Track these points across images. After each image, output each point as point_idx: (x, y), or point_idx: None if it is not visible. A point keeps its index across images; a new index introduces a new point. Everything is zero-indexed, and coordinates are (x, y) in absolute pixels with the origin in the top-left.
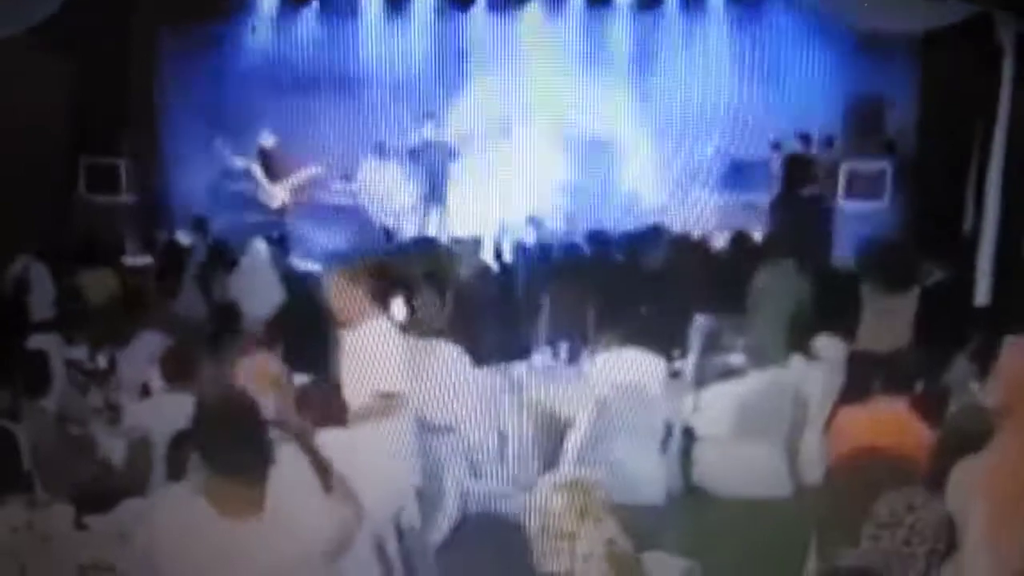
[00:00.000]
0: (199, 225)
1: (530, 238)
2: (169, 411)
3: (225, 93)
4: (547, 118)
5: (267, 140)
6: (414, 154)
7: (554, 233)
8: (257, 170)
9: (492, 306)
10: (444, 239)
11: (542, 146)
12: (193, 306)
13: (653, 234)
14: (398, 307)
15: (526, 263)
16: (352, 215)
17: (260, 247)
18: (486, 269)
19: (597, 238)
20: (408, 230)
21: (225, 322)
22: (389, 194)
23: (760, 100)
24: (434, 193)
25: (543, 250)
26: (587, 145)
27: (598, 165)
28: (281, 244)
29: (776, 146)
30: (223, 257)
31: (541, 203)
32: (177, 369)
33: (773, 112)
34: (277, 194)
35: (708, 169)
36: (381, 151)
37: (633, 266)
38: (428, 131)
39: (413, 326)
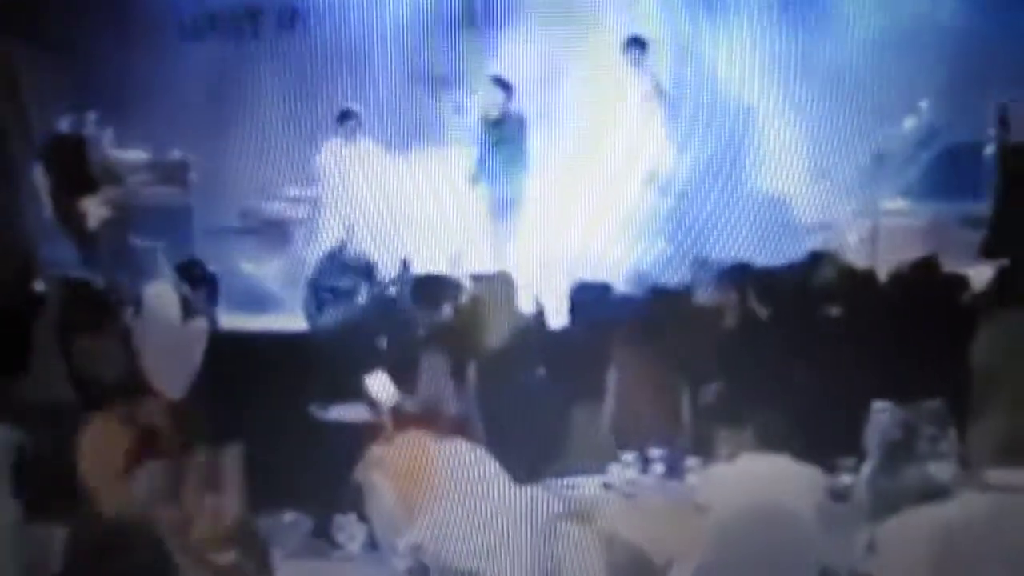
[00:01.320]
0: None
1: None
2: None
3: None
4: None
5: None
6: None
7: (638, 271)
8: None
9: (539, 386)
10: (460, 276)
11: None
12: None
13: (809, 266)
14: (379, 385)
15: (588, 317)
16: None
17: (160, 291)
18: (528, 325)
19: (704, 274)
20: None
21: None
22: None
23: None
24: (450, 203)
25: (614, 298)
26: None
27: (705, 156)
28: (201, 283)
29: (1003, 122)
30: (100, 306)
31: (613, 228)
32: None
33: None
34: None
35: (894, 160)
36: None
37: (767, 320)
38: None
39: (409, 415)
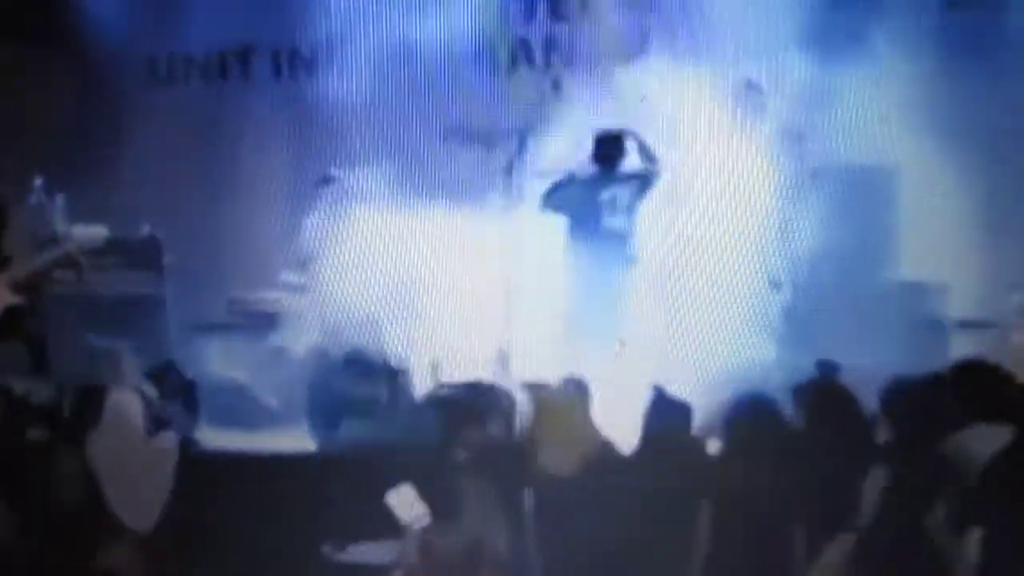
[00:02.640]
0: None
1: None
2: None
3: None
4: None
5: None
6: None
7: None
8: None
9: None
10: (508, 384)
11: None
12: None
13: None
14: (405, 502)
15: (676, 440)
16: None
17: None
18: (602, 447)
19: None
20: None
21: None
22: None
23: None
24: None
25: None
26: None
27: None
28: (177, 393)
29: None
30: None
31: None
32: None
33: None
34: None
35: None
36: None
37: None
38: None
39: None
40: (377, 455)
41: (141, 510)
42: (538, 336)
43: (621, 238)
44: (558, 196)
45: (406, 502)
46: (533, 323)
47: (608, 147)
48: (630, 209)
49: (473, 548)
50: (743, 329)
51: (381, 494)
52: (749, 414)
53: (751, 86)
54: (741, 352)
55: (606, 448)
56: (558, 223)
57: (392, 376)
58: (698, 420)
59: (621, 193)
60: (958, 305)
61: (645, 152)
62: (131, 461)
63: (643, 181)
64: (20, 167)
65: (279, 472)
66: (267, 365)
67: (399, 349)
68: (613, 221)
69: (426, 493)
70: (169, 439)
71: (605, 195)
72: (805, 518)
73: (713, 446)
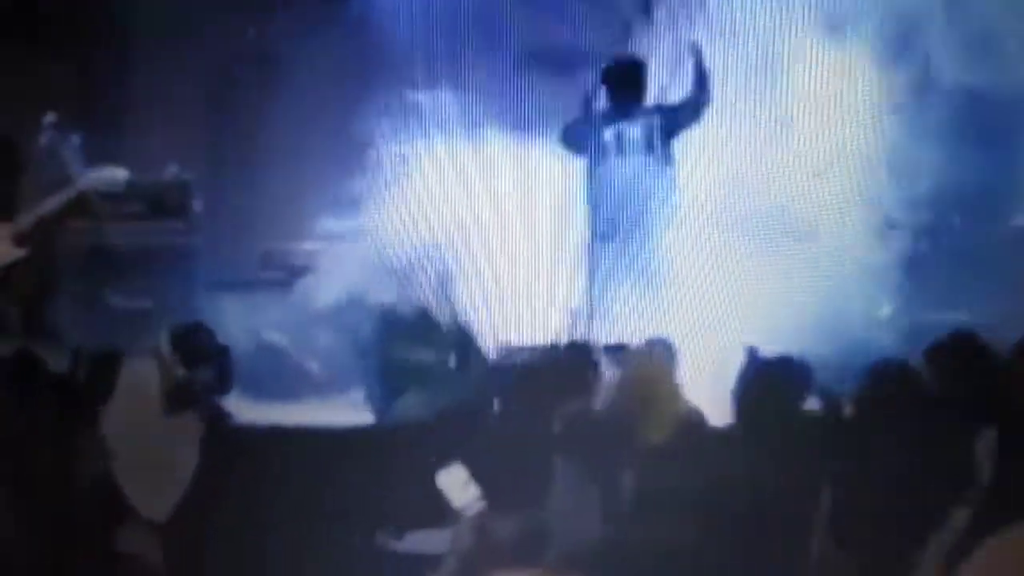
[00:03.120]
0: None
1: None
2: None
3: None
4: None
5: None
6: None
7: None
8: None
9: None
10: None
11: None
12: None
13: None
14: (456, 483)
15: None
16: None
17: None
18: (698, 418)
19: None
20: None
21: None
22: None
23: None
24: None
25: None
26: None
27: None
28: (206, 360)
29: None
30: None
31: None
32: None
33: None
34: None
35: None
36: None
37: None
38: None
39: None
40: (443, 428)
41: (156, 496)
42: (617, 292)
43: (643, 180)
44: (571, 134)
45: (458, 483)
46: (613, 276)
47: (620, 78)
48: (654, 146)
49: (538, 535)
50: (855, 280)
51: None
52: (879, 380)
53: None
54: (852, 307)
55: (701, 423)
56: (576, 166)
57: (461, 338)
58: (812, 388)
59: (643, 129)
60: None
61: (700, 76)
62: (148, 439)
63: (677, 113)
64: (30, 101)
65: (325, 448)
66: (310, 326)
67: (466, 307)
68: (632, 161)
69: (501, 473)
70: (194, 415)
71: (626, 131)
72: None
73: (832, 419)
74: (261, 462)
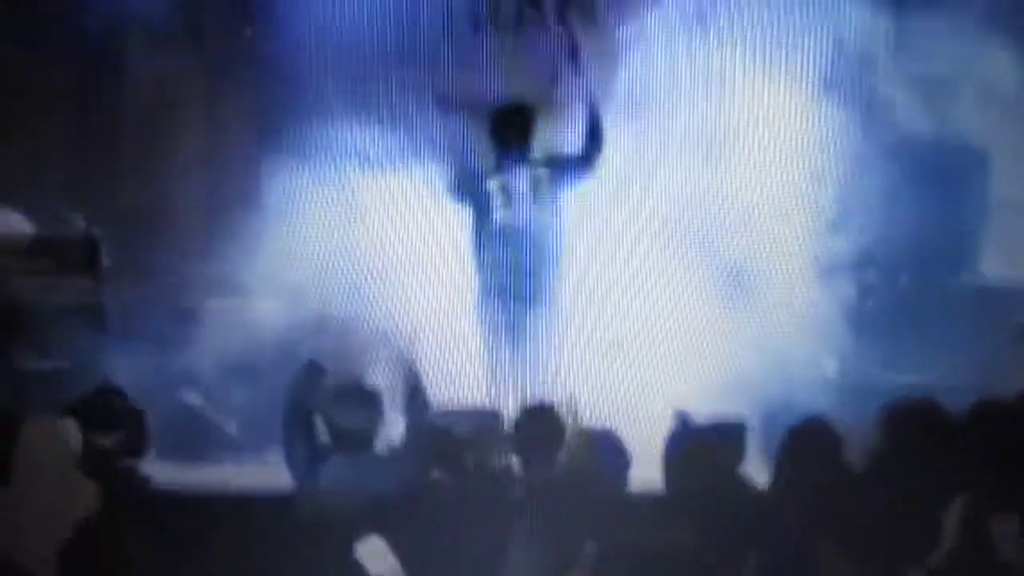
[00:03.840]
0: None
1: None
2: None
3: None
4: None
5: None
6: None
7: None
8: None
9: None
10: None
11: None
12: None
13: None
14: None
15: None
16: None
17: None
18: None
19: None
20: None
21: None
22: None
23: None
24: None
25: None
26: None
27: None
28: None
29: None
30: None
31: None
32: None
33: None
34: None
35: None
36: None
37: None
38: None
39: None
40: (368, 496)
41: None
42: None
43: (531, 233)
44: (458, 185)
45: (376, 555)
46: (508, 334)
47: (505, 124)
48: (542, 199)
49: None
50: (796, 337)
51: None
52: (810, 443)
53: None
54: (793, 365)
55: (620, 487)
56: (463, 217)
57: (379, 400)
58: (742, 450)
59: (531, 181)
60: None
61: (594, 129)
62: (47, 509)
63: (569, 165)
64: None
65: (245, 512)
66: (226, 385)
67: (386, 362)
68: (519, 214)
69: (430, 541)
70: (87, 484)
71: (512, 183)
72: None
73: (762, 482)
74: (179, 526)
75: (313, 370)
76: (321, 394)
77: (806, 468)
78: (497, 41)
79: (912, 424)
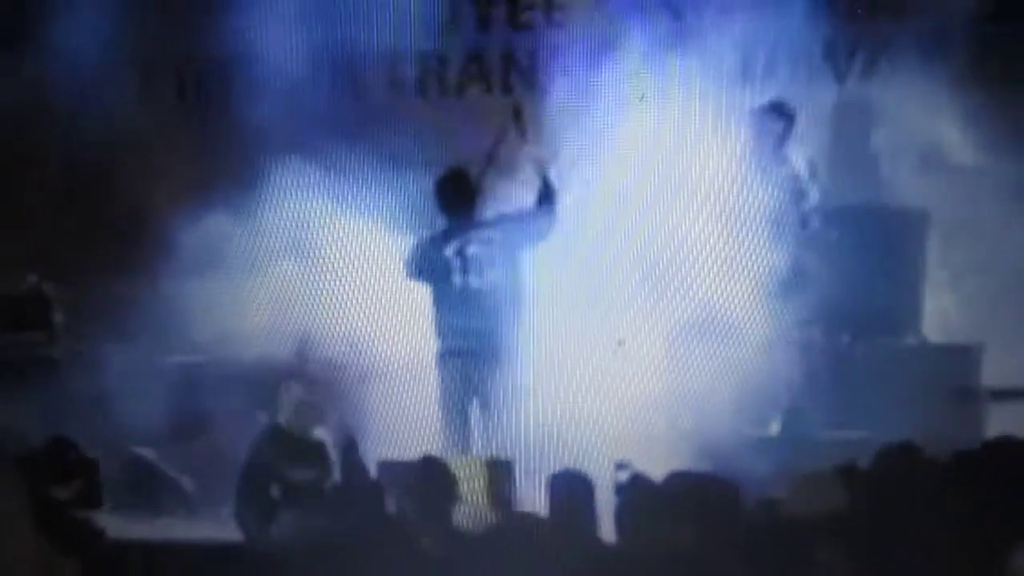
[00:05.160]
0: None
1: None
2: None
3: None
4: None
5: None
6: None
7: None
8: None
9: None
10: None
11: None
12: None
13: None
14: None
15: None
16: None
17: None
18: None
19: None
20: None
21: None
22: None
23: None
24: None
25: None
26: None
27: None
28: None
29: None
30: None
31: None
32: None
33: None
34: None
35: None
36: None
37: None
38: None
39: None
40: (321, 549)
41: None
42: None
43: (490, 297)
44: (415, 259)
45: None
46: (468, 394)
47: (450, 190)
48: (497, 263)
49: None
50: (741, 395)
51: None
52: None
53: (774, 110)
54: (737, 423)
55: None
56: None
57: (327, 456)
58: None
59: (483, 246)
60: (994, 372)
61: (547, 192)
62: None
63: (522, 229)
64: None
65: (200, 566)
66: (180, 439)
67: (344, 421)
68: (477, 280)
69: None
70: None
71: (467, 249)
72: None
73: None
74: None
75: (271, 432)
76: (275, 452)
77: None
78: (443, 105)
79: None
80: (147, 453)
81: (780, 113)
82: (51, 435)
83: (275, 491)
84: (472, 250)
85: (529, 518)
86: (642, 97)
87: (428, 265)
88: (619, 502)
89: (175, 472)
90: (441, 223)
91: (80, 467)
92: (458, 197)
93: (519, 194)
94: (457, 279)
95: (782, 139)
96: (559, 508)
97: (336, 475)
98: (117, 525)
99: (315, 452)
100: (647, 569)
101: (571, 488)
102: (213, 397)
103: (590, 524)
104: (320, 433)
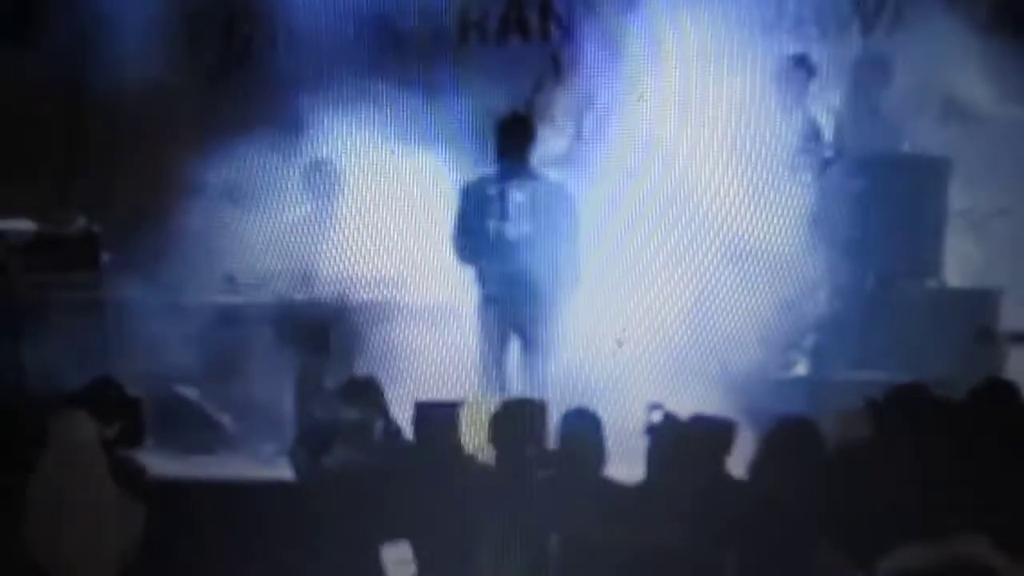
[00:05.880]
0: None
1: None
2: None
3: None
4: None
5: None
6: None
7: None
8: None
9: None
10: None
11: None
12: None
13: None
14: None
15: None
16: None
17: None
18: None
19: None
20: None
21: None
22: None
23: None
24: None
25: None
26: None
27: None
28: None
29: None
30: None
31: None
32: None
33: None
34: None
35: None
36: None
37: None
38: None
39: None
40: (367, 488)
41: (89, 569)
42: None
43: (529, 242)
44: (459, 202)
45: (399, 560)
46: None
47: (510, 133)
48: (539, 210)
49: None
50: (768, 338)
51: (366, 536)
52: (791, 440)
53: (798, 62)
54: (764, 366)
55: (614, 486)
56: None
57: (381, 396)
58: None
59: (528, 193)
60: (1014, 315)
61: (581, 139)
62: (89, 503)
63: (559, 175)
64: None
65: (239, 504)
66: (221, 378)
67: (385, 356)
68: (517, 226)
69: (427, 535)
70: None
71: (511, 194)
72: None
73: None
74: (175, 516)
75: (320, 371)
76: (324, 389)
77: (789, 463)
78: (483, 53)
79: (901, 410)
80: (189, 392)
81: (803, 65)
82: (96, 375)
83: (324, 431)
84: (514, 195)
85: (557, 455)
86: (640, 98)
87: (471, 207)
88: (650, 441)
89: (216, 411)
90: (485, 168)
91: (124, 407)
92: (516, 140)
93: (557, 142)
94: (496, 223)
95: (805, 90)
96: (590, 448)
97: (382, 415)
98: (159, 463)
99: (362, 391)
100: (671, 505)
101: (600, 429)
102: (255, 337)
103: (623, 466)
104: (366, 373)
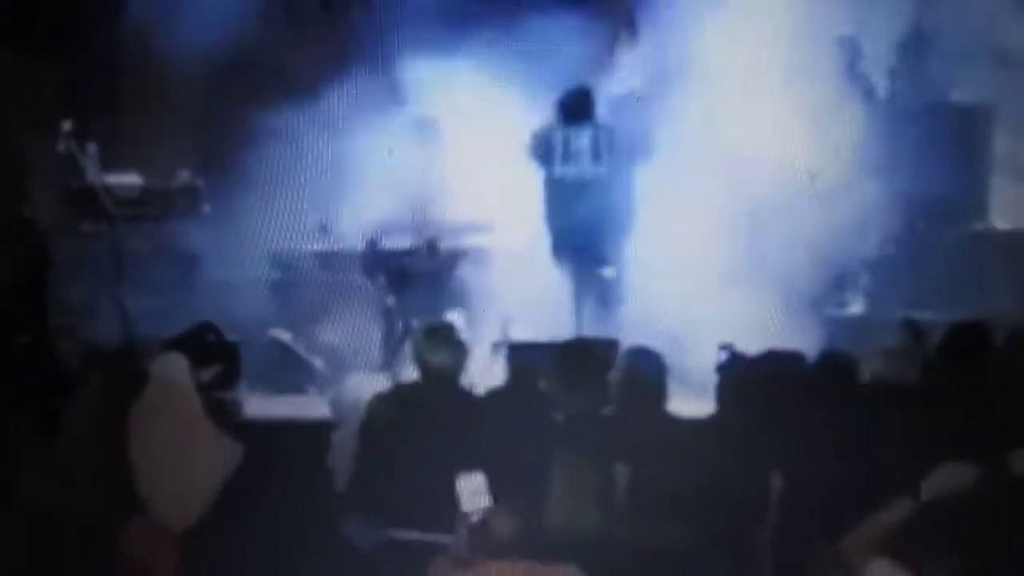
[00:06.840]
0: None
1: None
2: None
3: None
4: None
5: None
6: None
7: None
8: None
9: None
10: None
11: None
12: None
13: None
14: (473, 489)
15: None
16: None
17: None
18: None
19: None
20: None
21: None
22: None
23: None
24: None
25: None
26: None
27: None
28: (214, 358)
29: None
30: None
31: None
32: None
33: None
34: None
35: None
36: None
37: None
38: None
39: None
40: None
41: (183, 509)
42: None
43: (589, 187)
44: (530, 143)
45: (473, 490)
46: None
47: (571, 106)
48: (600, 156)
49: (534, 526)
50: (823, 278)
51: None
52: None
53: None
54: (820, 305)
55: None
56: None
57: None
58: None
59: (590, 139)
60: None
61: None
62: (185, 440)
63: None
64: (46, 110)
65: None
66: (315, 325)
67: (473, 300)
68: (577, 169)
69: (503, 471)
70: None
71: (573, 140)
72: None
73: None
74: (268, 452)
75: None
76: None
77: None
78: (562, 10)
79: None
80: (283, 335)
81: (850, 45)
82: (198, 319)
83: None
84: (578, 142)
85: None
86: (638, 99)
87: (539, 149)
88: (720, 379)
89: (308, 354)
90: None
91: (222, 350)
92: (576, 111)
93: (627, 98)
94: (559, 167)
95: (857, 60)
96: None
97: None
98: (253, 403)
99: (446, 334)
100: (741, 439)
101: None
102: (345, 283)
103: (686, 402)
104: (450, 317)
